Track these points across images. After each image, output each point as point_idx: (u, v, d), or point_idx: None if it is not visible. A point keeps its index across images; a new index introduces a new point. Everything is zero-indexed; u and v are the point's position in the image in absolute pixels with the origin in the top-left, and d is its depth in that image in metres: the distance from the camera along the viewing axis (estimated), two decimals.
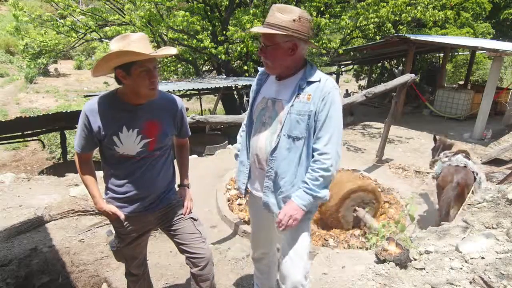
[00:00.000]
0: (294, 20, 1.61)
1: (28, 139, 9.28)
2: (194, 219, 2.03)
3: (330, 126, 1.69)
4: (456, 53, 16.76)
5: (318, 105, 1.68)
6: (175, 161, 2.11)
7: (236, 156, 2.09)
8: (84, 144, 1.77)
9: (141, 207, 1.88)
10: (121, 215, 1.84)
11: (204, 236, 2.02)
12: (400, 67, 14.32)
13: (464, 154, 4.73)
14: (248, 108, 1.96)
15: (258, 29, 1.71)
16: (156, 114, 1.81)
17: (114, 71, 1.67)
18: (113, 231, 2.01)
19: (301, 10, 1.66)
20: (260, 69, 1.99)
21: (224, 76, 10.58)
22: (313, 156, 1.74)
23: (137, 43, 1.60)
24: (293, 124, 1.70)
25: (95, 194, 1.86)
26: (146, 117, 1.77)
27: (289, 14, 1.62)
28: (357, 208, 4.24)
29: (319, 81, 1.71)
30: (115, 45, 1.62)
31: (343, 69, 15.58)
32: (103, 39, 9.21)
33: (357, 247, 3.92)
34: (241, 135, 2.05)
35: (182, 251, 1.99)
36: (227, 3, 9.51)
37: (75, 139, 1.81)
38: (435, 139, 5.46)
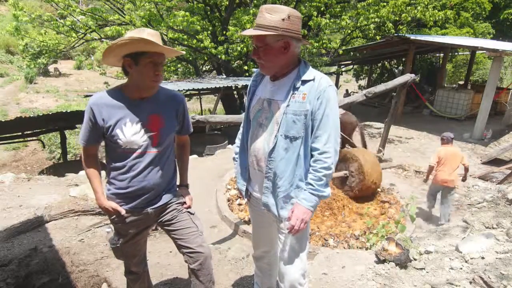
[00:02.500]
0: (283, 19, 1.61)
1: (28, 139, 9.28)
2: (191, 213, 2.05)
3: (328, 124, 1.69)
4: (456, 53, 16.78)
5: (314, 104, 1.68)
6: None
7: (234, 159, 2.09)
8: (88, 137, 1.82)
9: (141, 203, 1.90)
10: (122, 211, 1.86)
11: (201, 230, 2.04)
12: (400, 67, 14.32)
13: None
14: (245, 110, 1.96)
15: (248, 31, 1.70)
16: (160, 108, 1.86)
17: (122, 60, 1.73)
18: (113, 228, 2.01)
19: (290, 8, 1.65)
20: (255, 70, 1.99)
21: (224, 76, 10.57)
22: (312, 156, 1.74)
23: (152, 36, 1.68)
24: (290, 124, 1.70)
25: (97, 190, 1.88)
26: (150, 110, 1.82)
27: (278, 13, 1.62)
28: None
29: (314, 79, 1.70)
30: (130, 35, 1.68)
31: (343, 69, 15.58)
32: (103, 39, 9.21)
33: (357, 247, 3.92)
34: (239, 138, 2.05)
35: (180, 247, 2.00)
36: (227, 3, 9.50)
37: (80, 133, 1.86)
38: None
